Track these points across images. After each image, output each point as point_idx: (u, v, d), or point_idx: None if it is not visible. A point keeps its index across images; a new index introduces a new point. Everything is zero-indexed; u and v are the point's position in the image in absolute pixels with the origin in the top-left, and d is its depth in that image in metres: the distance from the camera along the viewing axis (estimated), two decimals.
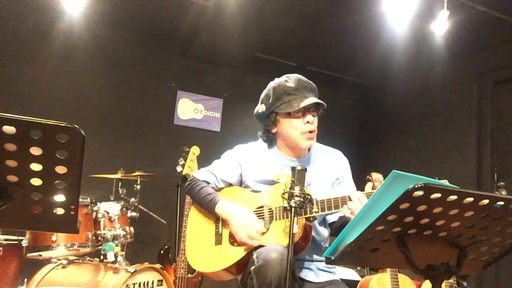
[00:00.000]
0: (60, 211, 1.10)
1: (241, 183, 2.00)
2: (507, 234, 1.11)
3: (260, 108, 1.94)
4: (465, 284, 2.68)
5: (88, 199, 2.85)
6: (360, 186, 1.93)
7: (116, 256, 2.74)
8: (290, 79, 1.90)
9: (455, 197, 0.93)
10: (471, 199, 0.95)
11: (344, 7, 3.76)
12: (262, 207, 1.87)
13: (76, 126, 0.95)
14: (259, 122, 2.00)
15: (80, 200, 2.39)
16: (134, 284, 2.51)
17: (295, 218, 1.53)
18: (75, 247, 2.68)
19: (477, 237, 1.08)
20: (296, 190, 1.56)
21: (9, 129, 0.92)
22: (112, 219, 2.93)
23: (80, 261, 2.66)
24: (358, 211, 1.62)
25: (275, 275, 1.55)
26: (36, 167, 0.99)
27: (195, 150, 3.34)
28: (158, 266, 2.74)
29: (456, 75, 4.57)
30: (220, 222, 1.91)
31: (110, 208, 2.95)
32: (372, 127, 5.67)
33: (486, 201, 0.97)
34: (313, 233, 1.82)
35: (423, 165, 4.73)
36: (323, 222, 1.96)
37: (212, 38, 4.38)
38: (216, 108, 4.98)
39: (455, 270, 1.11)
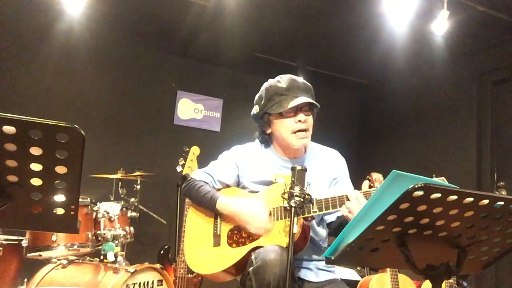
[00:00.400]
0: (60, 211, 1.10)
1: (238, 184, 2.00)
2: (507, 234, 1.11)
3: (254, 109, 1.96)
4: (465, 284, 2.68)
5: (88, 199, 2.85)
6: (360, 186, 1.93)
7: (116, 256, 2.74)
8: (282, 80, 1.90)
9: (455, 197, 0.93)
10: (471, 199, 0.95)
11: (344, 7, 3.76)
12: None
13: (76, 126, 0.95)
14: (256, 123, 2.00)
15: (80, 200, 2.39)
16: (134, 284, 2.51)
17: (295, 219, 1.53)
18: (75, 247, 2.68)
19: (477, 237, 1.08)
20: (296, 190, 1.56)
21: (9, 129, 0.92)
22: (112, 219, 2.93)
23: (80, 261, 2.66)
24: (356, 210, 1.63)
25: (274, 276, 1.55)
26: (36, 167, 0.99)
27: (195, 150, 3.34)
28: (158, 266, 2.73)
29: (456, 75, 4.57)
30: (218, 223, 1.91)
31: (110, 208, 2.95)
32: (372, 127, 5.67)
33: (486, 201, 0.97)
34: (311, 233, 1.82)
35: (423, 165, 4.73)
36: (321, 222, 1.96)
37: (212, 38, 4.38)
38: (216, 108, 4.99)
39: (455, 270, 1.11)
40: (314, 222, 1.88)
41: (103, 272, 2.51)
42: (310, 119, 1.88)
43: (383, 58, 4.56)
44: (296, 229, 1.54)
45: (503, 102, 4.30)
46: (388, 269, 2.75)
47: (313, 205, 1.70)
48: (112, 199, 3.47)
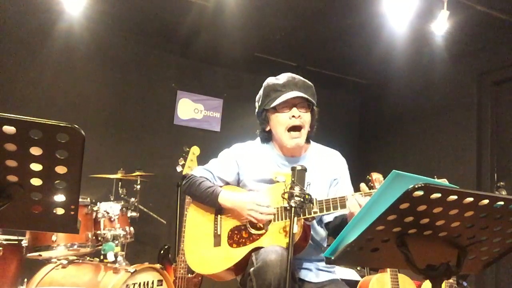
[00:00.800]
0: (60, 211, 1.10)
1: (238, 182, 2.00)
2: (507, 234, 1.11)
3: (256, 107, 1.99)
4: (465, 284, 2.68)
5: (88, 199, 2.85)
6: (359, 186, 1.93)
7: (116, 256, 2.73)
8: (280, 77, 1.93)
9: (455, 197, 0.93)
10: (471, 199, 0.95)
11: (344, 7, 3.76)
12: None
13: (76, 126, 0.95)
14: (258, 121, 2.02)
15: (80, 200, 2.39)
16: (134, 284, 2.51)
17: (295, 219, 1.53)
18: (75, 247, 2.68)
19: (477, 237, 1.08)
20: (296, 190, 1.56)
21: (9, 129, 0.92)
22: (112, 219, 2.93)
23: (80, 261, 2.66)
24: (356, 211, 1.63)
25: (275, 277, 1.55)
26: (36, 167, 0.99)
27: (195, 150, 3.34)
28: (158, 266, 2.74)
29: (456, 75, 4.57)
30: (219, 223, 1.91)
31: (110, 208, 2.95)
32: (372, 127, 5.67)
33: (486, 201, 0.97)
34: (312, 233, 1.82)
35: (423, 165, 4.72)
36: (320, 222, 1.96)
37: (212, 38, 4.38)
38: (216, 108, 4.98)
39: (455, 270, 1.11)
40: (314, 222, 1.88)
41: (103, 272, 2.51)
42: (306, 116, 1.88)
43: (383, 58, 4.56)
44: (296, 229, 1.54)
45: (503, 102, 4.30)
46: (388, 269, 2.75)
47: (313, 205, 1.70)
48: (112, 199, 3.47)
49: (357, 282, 2.95)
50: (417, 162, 4.85)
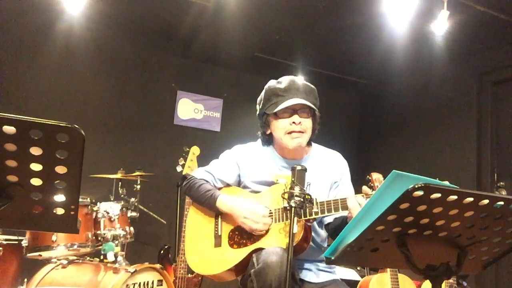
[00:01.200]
0: (60, 211, 1.10)
1: (239, 184, 2.00)
2: (507, 234, 1.11)
3: (257, 109, 1.97)
4: (465, 284, 2.68)
5: (88, 199, 2.85)
6: (360, 186, 1.93)
7: (116, 256, 2.74)
8: (282, 80, 1.90)
9: (455, 197, 0.93)
10: (471, 199, 0.95)
11: (344, 7, 3.76)
12: None
13: (76, 126, 0.95)
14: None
15: (80, 200, 2.38)
16: (134, 284, 2.51)
17: (295, 219, 1.53)
18: (75, 247, 2.68)
19: (477, 237, 1.08)
20: (296, 190, 1.56)
21: (9, 129, 0.92)
22: (112, 219, 2.93)
23: (80, 261, 2.66)
24: (356, 212, 1.62)
25: (275, 278, 1.55)
26: (36, 167, 0.99)
27: (195, 150, 3.35)
28: (158, 266, 2.73)
29: (456, 75, 4.57)
30: (219, 224, 1.90)
31: (110, 208, 2.95)
32: (372, 127, 5.67)
33: (486, 201, 0.97)
34: (312, 234, 1.82)
35: (423, 165, 4.72)
36: (321, 223, 1.96)
37: (212, 38, 4.38)
38: (216, 108, 4.99)
39: (455, 270, 1.11)
40: (315, 223, 1.88)
41: (103, 272, 2.51)
42: (306, 122, 1.87)
43: (383, 58, 4.56)
44: (296, 229, 1.54)
45: (503, 102, 4.30)
46: (388, 269, 2.76)
47: (313, 205, 1.70)
48: (112, 199, 3.47)
49: (357, 282, 2.95)
50: (417, 162, 4.85)
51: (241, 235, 1.84)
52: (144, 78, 4.63)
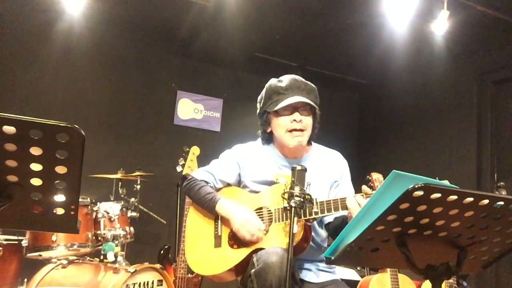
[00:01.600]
0: (60, 211, 1.10)
1: (239, 183, 2.00)
2: (507, 234, 1.11)
3: (257, 108, 1.98)
4: (465, 284, 2.68)
5: (88, 199, 2.85)
6: (360, 186, 1.93)
7: (116, 256, 2.73)
8: (283, 79, 1.91)
9: (455, 197, 0.93)
10: (471, 199, 0.95)
11: (344, 7, 3.76)
12: (261, 208, 1.86)
13: (76, 126, 0.95)
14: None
15: (80, 200, 2.39)
16: (134, 284, 2.51)
17: (295, 219, 1.53)
18: (75, 247, 2.67)
19: (477, 237, 1.08)
20: (296, 190, 1.56)
21: (9, 129, 0.92)
22: (112, 219, 2.93)
23: (80, 261, 2.66)
24: (356, 212, 1.62)
25: (276, 278, 1.55)
26: (36, 167, 0.99)
27: (195, 150, 3.34)
28: (158, 266, 2.73)
29: (456, 75, 4.57)
30: (219, 224, 1.90)
31: (110, 208, 2.94)
32: (372, 127, 5.67)
33: (486, 201, 0.97)
34: (312, 234, 1.82)
35: (423, 165, 4.72)
36: (321, 223, 1.96)
37: (212, 38, 4.38)
38: (216, 108, 4.98)
39: (455, 270, 1.11)
40: (315, 223, 1.88)
41: (103, 272, 2.51)
42: (307, 120, 1.88)
43: (383, 58, 4.56)
44: (296, 229, 1.54)
45: (503, 102, 4.30)
46: (388, 269, 2.75)
47: (313, 205, 1.70)
48: (112, 199, 3.47)
49: (357, 282, 2.95)
50: (417, 162, 4.85)
51: None
52: (144, 78, 4.63)
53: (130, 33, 4.51)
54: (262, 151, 2.00)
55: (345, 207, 1.68)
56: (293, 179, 1.59)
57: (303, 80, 1.92)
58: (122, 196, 3.45)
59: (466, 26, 3.81)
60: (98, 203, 2.95)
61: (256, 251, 1.72)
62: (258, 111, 1.97)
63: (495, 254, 1.18)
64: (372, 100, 5.72)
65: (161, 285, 2.67)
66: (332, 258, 1.10)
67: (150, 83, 4.66)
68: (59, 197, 1.06)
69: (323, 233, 1.95)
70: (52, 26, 4.04)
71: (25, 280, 2.55)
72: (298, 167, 1.61)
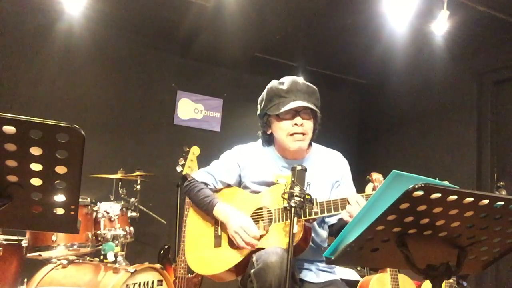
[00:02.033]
0: (60, 211, 1.10)
1: (240, 184, 2.00)
2: (507, 234, 1.11)
3: (258, 109, 1.97)
4: (465, 284, 2.68)
5: (88, 199, 2.85)
6: (359, 186, 1.93)
7: (116, 256, 2.74)
8: (285, 81, 1.89)
9: (455, 197, 0.93)
10: (471, 199, 0.95)
11: (344, 7, 3.76)
12: (261, 208, 1.86)
13: (76, 126, 0.95)
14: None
15: (80, 200, 2.39)
16: (134, 284, 2.51)
17: (295, 219, 1.53)
18: (75, 247, 2.68)
19: (477, 237, 1.08)
20: (296, 190, 1.56)
21: (9, 129, 0.92)
22: (112, 219, 2.93)
23: (80, 261, 2.66)
24: (356, 213, 1.62)
25: (275, 278, 1.55)
26: (36, 167, 0.99)
27: (195, 150, 3.34)
28: (158, 266, 2.74)
29: (456, 75, 4.57)
30: (219, 224, 1.91)
31: (110, 208, 2.95)
32: (372, 127, 5.67)
33: (486, 201, 0.97)
34: (312, 234, 1.82)
35: (423, 165, 4.73)
36: (322, 223, 1.96)
37: (212, 38, 4.38)
38: (216, 108, 4.99)
39: (455, 270, 1.11)
40: (315, 223, 1.88)
41: (103, 272, 2.51)
42: (308, 123, 1.87)
43: (383, 58, 4.56)
44: (296, 229, 1.54)
45: (503, 102, 4.30)
46: (388, 269, 2.75)
47: (313, 205, 1.69)
48: (112, 199, 3.46)
49: (357, 282, 2.95)
50: (417, 162, 4.85)
51: None
52: (144, 78, 4.63)
53: (130, 33, 4.51)
54: (262, 152, 2.00)
55: (344, 207, 1.68)
56: (293, 179, 1.59)
57: (305, 82, 1.91)
58: (122, 196, 3.45)
59: (466, 26, 3.81)
60: (98, 203, 2.95)
61: (256, 251, 1.71)
62: (258, 112, 1.96)
63: (495, 254, 1.18)
64: (372, 100, 5.72)
65: (161, 285, 2.67)
66: (332, 258, 1.10)
67: (150, 83, 4.66)
68: (59, 197, 1.06)
69: (323, 233, 1.95)
70: (52, 26, 4.05)
71: (25, 280, 2.55)
72: (298, 167, 1.61)
